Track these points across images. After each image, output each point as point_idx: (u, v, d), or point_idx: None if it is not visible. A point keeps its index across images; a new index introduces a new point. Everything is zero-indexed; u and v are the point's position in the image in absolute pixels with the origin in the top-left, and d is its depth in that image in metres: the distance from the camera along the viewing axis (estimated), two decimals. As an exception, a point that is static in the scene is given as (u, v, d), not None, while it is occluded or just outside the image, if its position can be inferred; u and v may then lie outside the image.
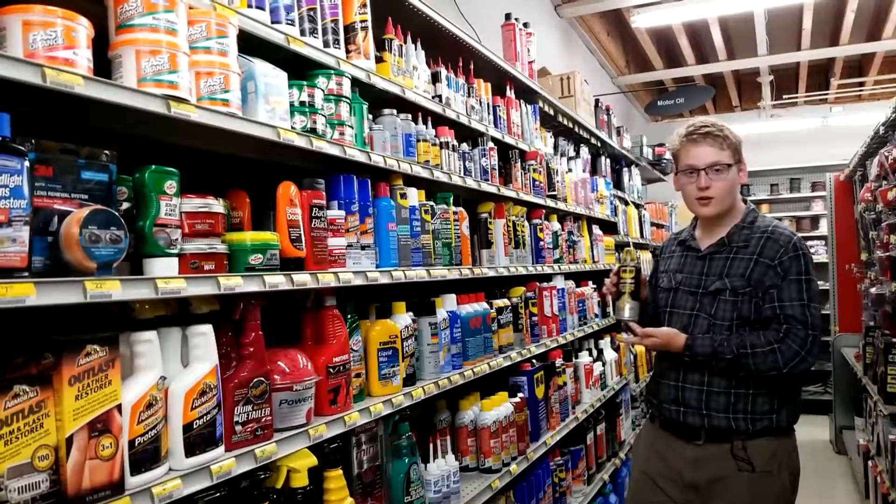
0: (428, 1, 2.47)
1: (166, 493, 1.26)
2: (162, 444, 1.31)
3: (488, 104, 2.98)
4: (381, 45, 2.23)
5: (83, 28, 1.23)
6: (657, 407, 2.26)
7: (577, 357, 3.89)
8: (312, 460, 1.65)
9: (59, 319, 1.26)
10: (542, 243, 3.38)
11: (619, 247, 4.52)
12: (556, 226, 3.62)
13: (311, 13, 1.84)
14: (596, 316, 4.25)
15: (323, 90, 1.85)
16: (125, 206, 1.34)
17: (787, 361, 2.00)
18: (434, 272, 2.29)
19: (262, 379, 1.55)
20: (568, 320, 3.65)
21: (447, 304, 2.50)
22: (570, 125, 4.13)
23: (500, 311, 2.83)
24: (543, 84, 3.88)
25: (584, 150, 4.53)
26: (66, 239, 1.14)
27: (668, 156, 6.30)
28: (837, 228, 6.55)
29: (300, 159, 1.91)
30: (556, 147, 4.03)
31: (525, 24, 3.63)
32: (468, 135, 2.80)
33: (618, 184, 5.47)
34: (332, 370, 1.79)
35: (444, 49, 2.68)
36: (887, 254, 3.82)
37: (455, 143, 2.59)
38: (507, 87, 3.26)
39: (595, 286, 4.25)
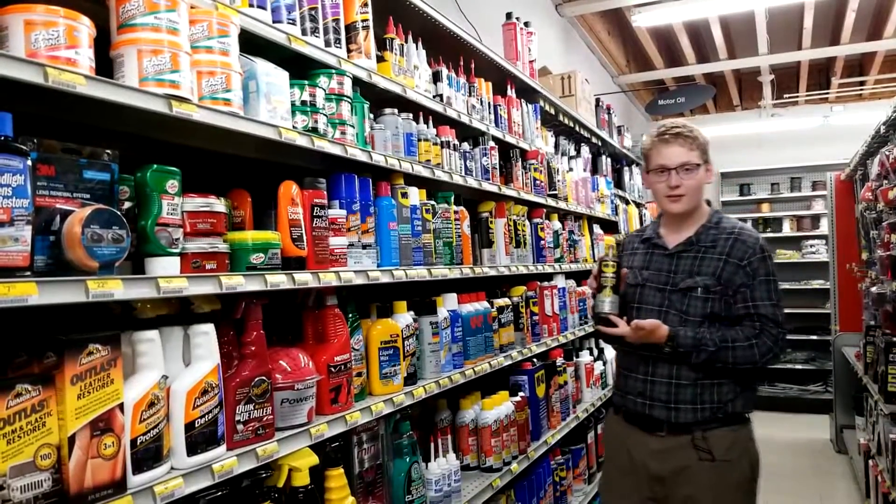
0: (429, 0, 2.47)
1: (168, 491, 1.27)
2: (164, 442, 1.31)
3: (489, 103, 2.98)
4: (382, 44, 2.23)
5: (85, 27, 1.23)
6: (622, 398, 2.31)
7: (577, 356, 3.90)
8: (314, 459, 1.65)
9: (61, 319, 1.26)
10: (542, 242, 3.38)
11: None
12: (556, 225, 3.62)
13: (313, 12, 1.84)
14: (597, 315, 4.24)
15: (324, 89, 1.85)
16: (127, 205, 1.34)
17: (762, 356, 2.12)
18: (435, 271, 2.29)
19: (264, 378, 1.55)
20: (569, 319, 3.66)
21: (448, 304, 2.51)
22: (571, 124, 4.13)
23: (500, 310, 2.84)
24: (544, 83, 3.88)
25: (585, 150, 4.53)
26: (68, 238, 1.14)
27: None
28: (838, 228, 6.54)
29: (301, 159, 1.91)
30: (556, 146, 4.03)
31: (526, 24, 3.63)
32: (469, 134, 2.80)
33: (618, 183, 5.48)
34: (333, 369, 1.79)
35: (445, 48, 2.68)
36: (888, 253, 3.81)
37: (456, 142, 2.59)
38: (508, 87, 3.26)
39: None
